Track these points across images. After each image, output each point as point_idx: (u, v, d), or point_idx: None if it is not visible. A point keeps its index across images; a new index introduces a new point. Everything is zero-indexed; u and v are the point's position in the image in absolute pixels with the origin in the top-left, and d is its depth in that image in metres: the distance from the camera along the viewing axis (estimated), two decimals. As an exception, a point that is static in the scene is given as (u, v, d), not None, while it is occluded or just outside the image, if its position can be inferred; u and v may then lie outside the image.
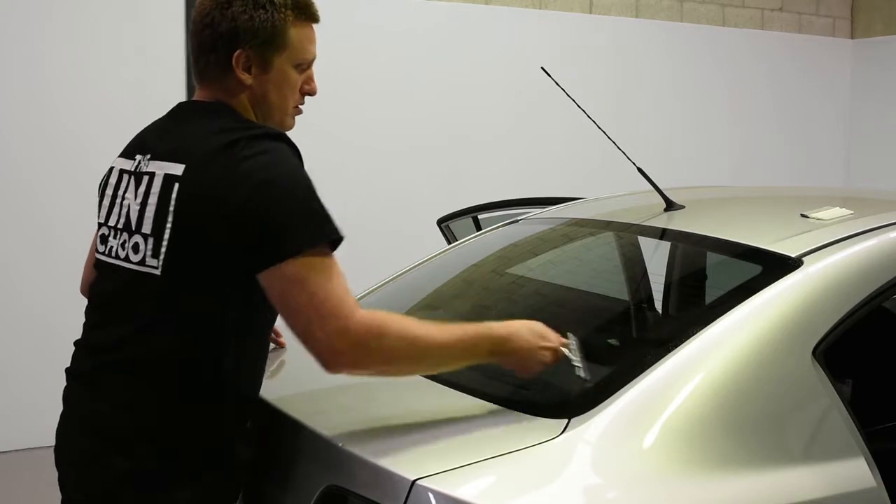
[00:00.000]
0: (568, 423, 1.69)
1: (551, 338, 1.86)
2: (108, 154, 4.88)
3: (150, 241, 1.72)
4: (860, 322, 1.90)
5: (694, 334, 1.81)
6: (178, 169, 1.71)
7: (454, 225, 3.75)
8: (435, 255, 2.92)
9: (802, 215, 2.24)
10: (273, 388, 2.17)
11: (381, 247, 5.33)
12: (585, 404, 1.73)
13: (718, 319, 1.83)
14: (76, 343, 1.94)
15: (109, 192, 1.88)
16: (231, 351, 1.74)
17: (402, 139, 5.53)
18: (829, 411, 1.81)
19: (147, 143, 1.87)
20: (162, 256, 1.70)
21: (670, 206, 2.53)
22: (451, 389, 1.96)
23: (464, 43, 5.67)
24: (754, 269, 2.02)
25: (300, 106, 1.90)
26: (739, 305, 1.85)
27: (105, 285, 1.84)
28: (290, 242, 1.61)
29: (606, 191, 3.25)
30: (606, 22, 6.17)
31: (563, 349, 1.86)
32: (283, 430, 1.96)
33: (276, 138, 1.74)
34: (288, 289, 1.61)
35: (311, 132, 5.67)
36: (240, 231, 1.62)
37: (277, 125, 1.85)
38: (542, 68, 2.92)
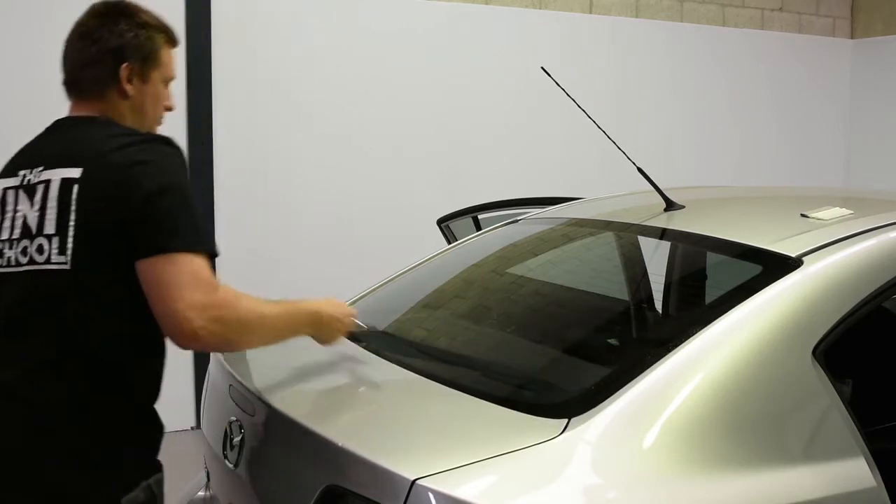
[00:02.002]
0: (568, 423, 1.69)
1: (346, 310, 2.19)
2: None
3: (55, 240, 1.83)
4: (860, 322, 1.90)
5: (694, 334, 1.81)
6: (75, 172, 1.85)
7: (454, 225, 3.75)
8: (435, 255, 2.92)
9: (802, 215, 2.24)
10: (273, 388, 2.17)
11: (382, 247, 5.34)
12: (585, 404, 1.73)
13: (718, 319, 1.84)
14: None
15: None
16: (135, 344, 1.87)
17: (402, 139, 5.53)
18: (829, 411, 1.81)
19: (33, 157, 1.98)
20: (69, 251, 1.81)
21: (670, 206, 2.53)
22: (451, 389, 1.96)
23: (464, 43, 5.67)
24: (754, 269, 2.03)
25: (162, 118, 2.12)
26: (739, 305, 1.85)
27: (8, 296, 1.89)
28: (175, 240, 1.78)
29: (606, 191, 3.25)
30: (606, 22, 6.17)
31: (354, 319, 2.19)
32: (283, 430, 1.96)
33: (167, 143, 1.91)
34: (162, 274, 1.77)
35: (311, 132, 5.69)
36: (136, 227, 1.78)
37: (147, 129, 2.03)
38: (542, 68, 2.92)
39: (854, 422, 1.82)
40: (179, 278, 1.76)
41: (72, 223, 1.82)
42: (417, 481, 1.56)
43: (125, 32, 2.00)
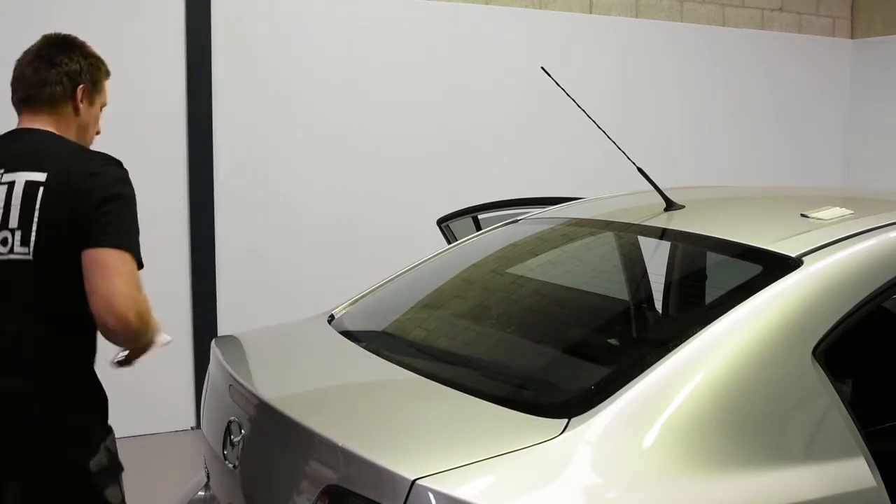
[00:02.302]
0: (568, 423, 1.69)
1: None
2: (107, 150, 4.88)
3: (18, 233, 2.13)
4: (860, 322, 1.90)
5: (694, 334, 1.81)
6: (40, 176, 2.17)
7: (454, 225, 3.75)
8: (435, 255, 2.92)
9: (802, 215, 2.24)
10: (273, 388, 2.17)
11: (382, 247, 5.34)
12: (585, 404, 1.73)
13: (718, 319, 1.84)
14: None
15: None
16: (84, 321, 2.16)
17: (402, 139, 5.53)
18: (829, 411, 1.81)
19: None
20: (32, 243, 2.12)
21: (670, 206, 2.53)
22: (451, 389, 1.96)
23: (464, 43, 5.67)
24: (754, 269, 2.02)
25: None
26: (739, 305, 1.85)
27: None
28: (121, 239, 2.13)
29: (606, 191, 3.25)
30: (606, 22, 6.17)
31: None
32: (283, 430, 1.96)
33: (118, 164, 2.31)
34: (108, 261, 2.10)
35: (311, 132, 5.68)
36: (90, 224, 2.11)
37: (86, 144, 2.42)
38: (543, 68, 2.92)
39: (854, 422, 1.82)
40: (120, 268, 2.10)
41: (35, 219, 2.12)
42: (417, 481, 1.57)
43: (80, 60, 2.37)
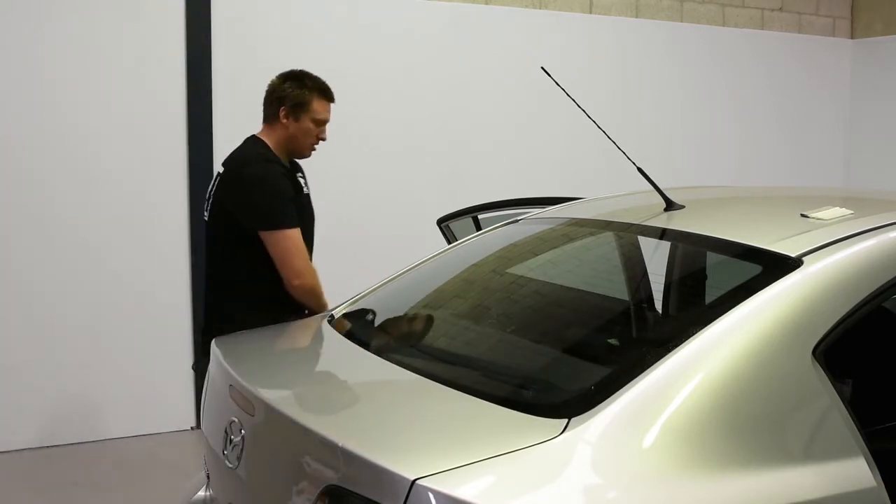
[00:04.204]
0: (568, 423, 1.69)
1: None
2: (108, 151, 4.91)
3: (206, 204, 3.44)
4: (860, 322, 1.90)
5: (694, 334, 1.81)
6: (221, 169, 3.39)
7: (454, 225, 3.75)
8: (435, 255, 2.92)
9: (802, 215, 2.24)
10: (273, 388, 2.17)
11: (382, 247, 5.34)
12: (585, 404, 1.73)
13: (718, 319, 1.83)
14: None
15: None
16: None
17: (402, 139, 5.53)
18: (829, 411, 1.81)
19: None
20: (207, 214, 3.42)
21: (670, 206, 2.53)
22: (451, 389, 1.96)
23: (464, 43, 5.67)
24: (754, 269, 2.02)
25: (315, 146, 3.41)
26: (739, 305, 1.85)
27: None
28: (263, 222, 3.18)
29: (606, 191, 3.25)
30: (606, 22, 6.18)
31: None
32: (283, 430, 1.96)
33: (267, 159, 3.27)
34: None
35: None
36: (242, 208, 3.24)
37: (297, 154, 3.40)
38: (543, 68, 2.92)
39: (854, 422, 1.82)
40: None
41: (211, 198, 3.38)
42: (417, 481, 1.57)
43: (287, 89, 3.35)
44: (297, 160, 3.44)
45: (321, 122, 3.36)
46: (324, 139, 3.38)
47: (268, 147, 3.30)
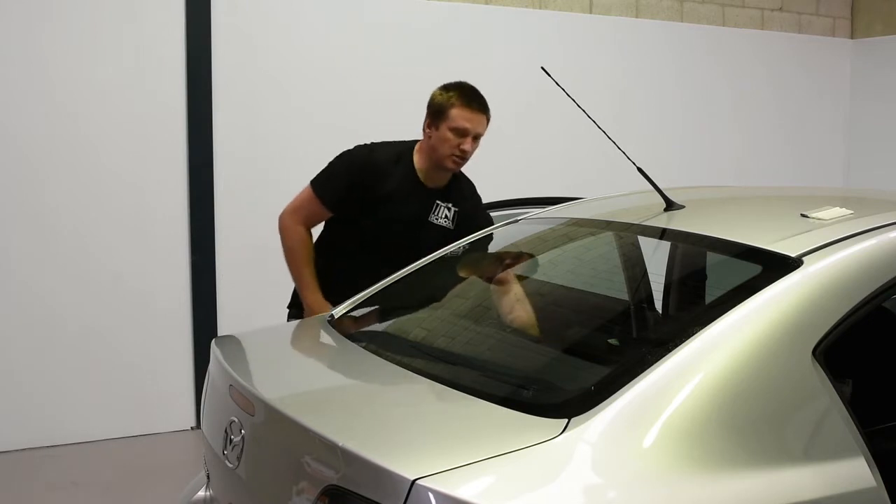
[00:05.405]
0: (568, 423, 1.69)
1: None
2: (108, 150, 4.90)
3: None
4: (860, 322, 1.90)
5: (694, 334, 1.81)
6: None
7: (454, 225, 3.73)
8: (435, 255, 2.92)
9: (802, 215, 2.24)
10: (273, 388, 2.17)
11: (381, 247, 5.33)
12: (585, 404, 1.73)
13: (718, 319, 1.83)
14: None
15: None
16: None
17: (402, 139, 5.52)
18: (829, 411, 1.81)
19: None
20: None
21: (670, 206, 2.53)
22: (451, 389, 1.96)
23: (464, 43, 5.67)
24: (754, 269, 2.02)
25: (455, 157, 3.17)
26: (739, 305, 1.85)
27: None
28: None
29: (606, 191, 3.25)
30: (606, 22, 6.17)
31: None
32: (283, 430, 1.96)
33: (356, 150, 3.34)
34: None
35: (311, 132, 5.66)
36: None
37: (437, 162, 3.20)
38: (543, 68, 2.92)
39: (854, 422, 1.82)
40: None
41: None
42: (417, 481, 1.57)
43: (431, 99, 3.23)
44: (467, 188, 3.31)
45: (461, 132, 3.13)
46: (465, 150, 3.15)
47: (410, 148, 3.26)
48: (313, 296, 3.15)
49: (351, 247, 3.22)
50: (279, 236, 3.27)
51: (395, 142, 3.31)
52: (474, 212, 3.29)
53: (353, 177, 3.18)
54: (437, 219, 3.21)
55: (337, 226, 3.30)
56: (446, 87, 3.21)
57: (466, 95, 3.15)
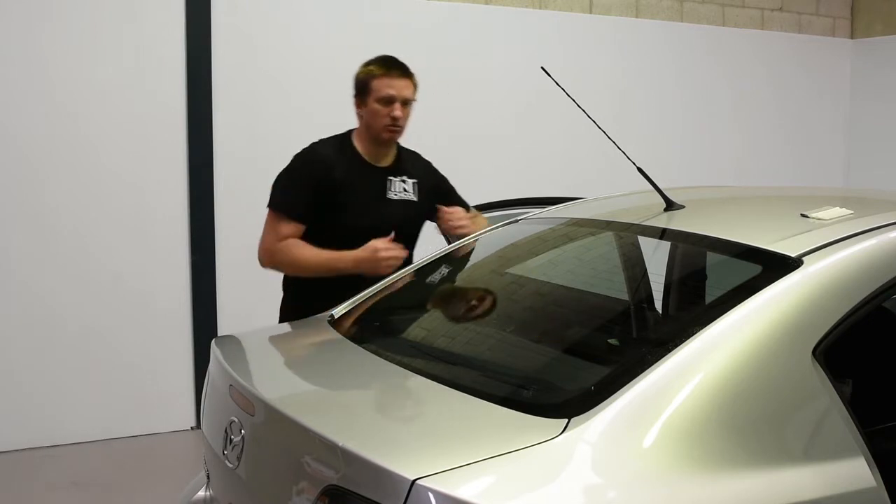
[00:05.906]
0: (568, 423, 1.69)
1: (378, 246, 2.98)
2: (108, 150, 4.90)
3: None
4: (860, 322, 1.90)
5: (694, 334, 1.81)
6: None
7: (454, 225, 3.73)
8: (435, 255, 2.92)
9: (802, 215, 2.24)
10: (273, 388, 2.17)
11: (381, 247, 5.32)
12: (585, 404, 1.73)
13: (718, 319, 1.83)
14: None
15: None
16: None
17: (401, 139, 5.52)
18: (829, 411, 1.81)
19: None
20: None
21: (670, 206, 2.53)
22: (451, 389, 1.96)
23: (464, 43, 5.67)
24: (754, 269, 2.02)
25: (389, 126, 3.19)
26: (739, 305, 1.85)
27: None
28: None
29: (606, 191, 3.25)
30: (606, 22, 6.17)
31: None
32: (283, 430, 1.96)
33: (304, 150, 3.32)
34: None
35: (311, 132, 5.68)
36: None
37: (374, 137, 3.22)
38: (543, 68, 2.92)
39: (854, 422, 1.82)
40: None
41: None
42: (417, 481, 1.56)
43: (354, 79, 3.23)
44: (415, 159, 3.39)
45: (387, 100, 3.15)
46: (397, 117, 3.18)
47: (348, 135, 3.26)
48: (352, 254, 3.00)
49: (327, 246, 3.09)
50: (272, 271, 3.21)
51: (330, 136, 3.30)
52: (434, 178, 3.40)
53: (305, 178, 3.15)
54: (395, 194, 3.23)
55: (307, 234, 3.14)
56: (366, 63, 3.22)
57: (386, 64, 3.18)
